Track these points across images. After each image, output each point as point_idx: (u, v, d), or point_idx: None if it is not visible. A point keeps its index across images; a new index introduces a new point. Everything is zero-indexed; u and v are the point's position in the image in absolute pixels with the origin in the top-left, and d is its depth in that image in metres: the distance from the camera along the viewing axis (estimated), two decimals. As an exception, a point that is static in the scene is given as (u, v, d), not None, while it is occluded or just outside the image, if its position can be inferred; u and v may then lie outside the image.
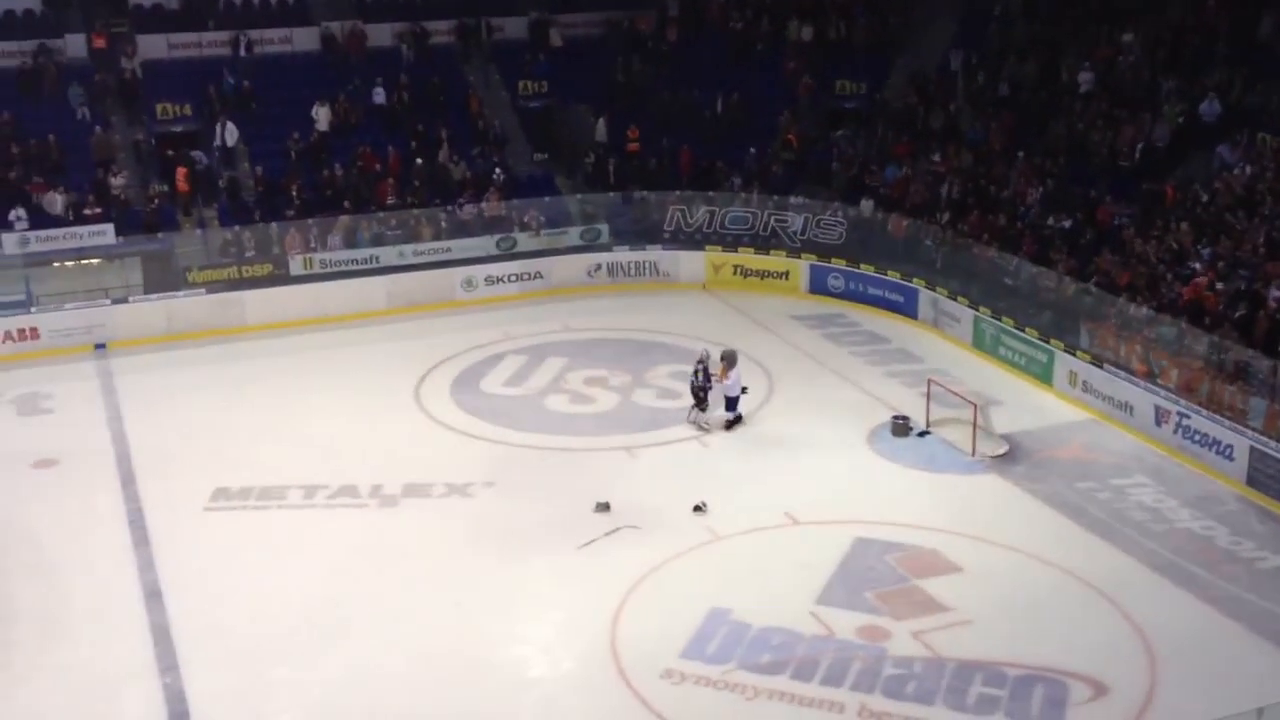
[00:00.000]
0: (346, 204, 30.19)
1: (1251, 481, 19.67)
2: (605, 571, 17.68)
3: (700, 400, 22.67)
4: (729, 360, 22.57)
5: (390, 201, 30.78)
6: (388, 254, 29.83)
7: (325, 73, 33.71)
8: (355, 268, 29.46)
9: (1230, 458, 20.05)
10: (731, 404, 22.56)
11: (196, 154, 31.05)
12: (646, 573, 17.64)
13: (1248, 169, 24.75)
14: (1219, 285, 22.29)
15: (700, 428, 22.56)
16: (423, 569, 17.91)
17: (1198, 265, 23.08)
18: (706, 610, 16.57)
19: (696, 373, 22.63)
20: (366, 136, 32.40)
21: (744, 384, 22.73)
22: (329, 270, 29.24)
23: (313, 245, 29.40)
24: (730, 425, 22.55)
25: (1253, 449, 19.68)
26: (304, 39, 34.71)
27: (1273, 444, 19.46)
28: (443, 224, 30.61)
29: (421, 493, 20.27)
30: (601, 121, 33.74)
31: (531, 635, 16.48)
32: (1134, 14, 30.87)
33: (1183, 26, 29.74)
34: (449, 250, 30.27)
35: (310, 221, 29.60)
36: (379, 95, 33.14)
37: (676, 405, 23.55)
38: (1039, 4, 33.42)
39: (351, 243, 29.73)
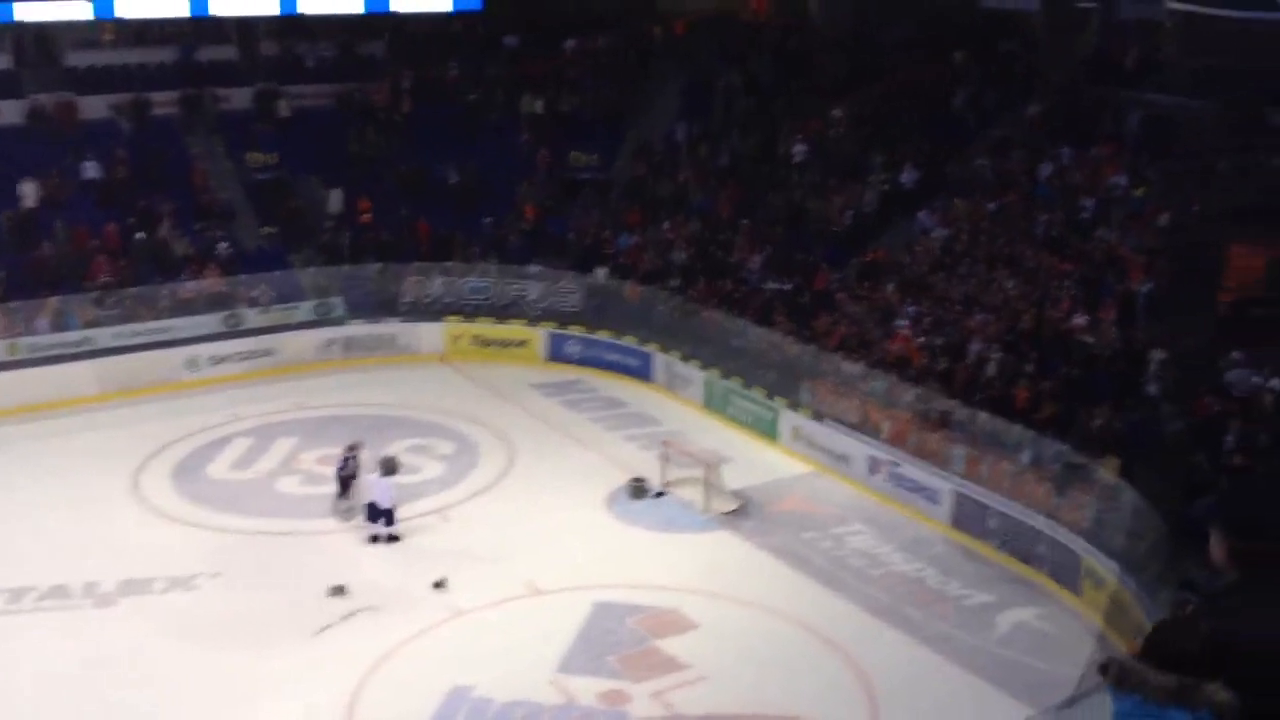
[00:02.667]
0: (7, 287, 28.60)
1: (956, 523, 21.02)
2: (343, 658, 17.26)
3: (344, 489, 21.70)
4: (386, 467, 20.91)
5: (106, 280, 29.40)
6: (103, 335, 28.33)
7: (34, 147, 32.07)
8: (67, 351, 27.83)
9: (936, 501, 21.38)
10: (376, 514, 20.66)
11: None
12: (386, 655, 17.35)
13: (945, 232, 26.59)
14: (922, 340, 23.81)
15: (343, 517, 21.55)
16: (143, 671, 17.04)
17: (904, 323, 24.59)
18: (448, 689, 16.41)
19: (346, 460, 21.73)
20: (80, 213, 30.93)
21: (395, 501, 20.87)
22: (37, 356, 27.50)
23: (18, 329, 27.66)
24: (377, 539, 20.67)
25: (956, 493, 21.05)
26: (10, 112, 32.94)
27: (973, 487, 20.86)
28: (164, 302, 29.45)
29: (141, 589, 19.28)
30: (337, 192, 33.36)
31: (265, 729, 15.97)
32: (841, 89, 32.84)
33: (885, 100, 31.81)
34: (171, 330, 29.05)
35: (14, 304, 27.89)
36: (89, 169, 31.74)
37: (416, 480, 23.28)
38: (756, 80, 35.10)
39: (61, 325, 28.17)
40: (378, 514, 20.76)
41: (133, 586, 19.39)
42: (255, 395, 27.87)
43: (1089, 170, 25.53)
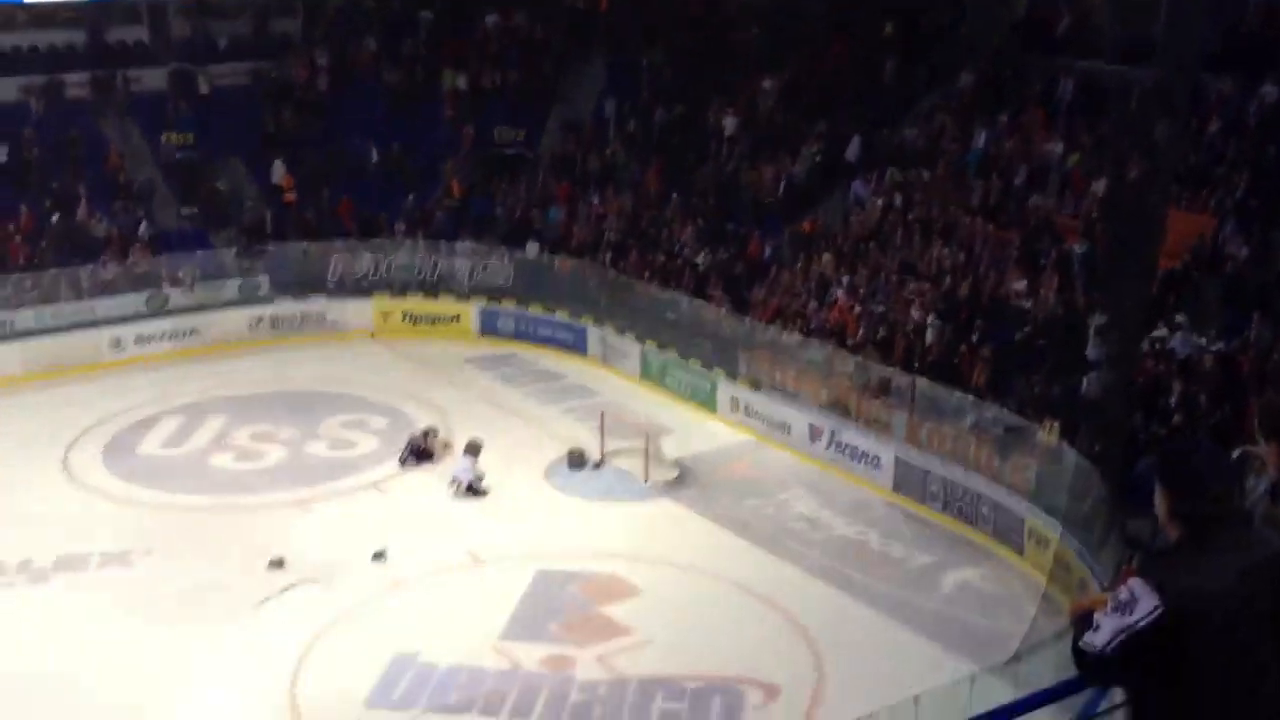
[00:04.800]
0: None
1: (897, 487, 21.11)
2: (283, 629, 17.02)
3: (412, 458, 22.52)
4: (471, 448, 21.70)
5: (24, 263, 28.56)
6: (24, 318, 27.65)
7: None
8: (-14, 334, 27.20)
9: (878, 467, 21.47)
10: (456, 483, 21.58)
11: None
12: (327, 625, 17.11)
13: (879, 202, 26.68)
14: (858, 309, 23.90)
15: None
16: (81, 646, 16.61)
17: (840, 293, 24.66)
18: (390, 657, 16.22)
19: (423, 436, 22.77)
20: (-7, 197, 30.06)
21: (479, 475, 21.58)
22: (-45, 339, 26.88)
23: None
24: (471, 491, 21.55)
25: (897, 458, 21.15)
26: (-82, 96, 31.88)
27: (914, 452, 20.98)
28: (84, 284, 28.70)
29: (76, 565, 18.77)
30: (279, 164, 32.69)
31: (208, 703, 15.62)
32: (769, 61, 32.84)
33: (814, 72, 31.86)
34: (93, 311, 28.36)
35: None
36: (1, 153, 30.81)
37: (351, 455, 23.08)
38: (683, 53, 34.97)
39: (-23, 309, 27.43)
40: (457, 483, 21.48)
41: (68, 563, 18.88)
42: (182, 375, 27.15)
43: (1022, 138, 25.75)
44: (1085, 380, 19.65)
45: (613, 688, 15.60)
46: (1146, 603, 3.47)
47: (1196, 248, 20.70)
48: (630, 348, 27.31)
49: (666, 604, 17.82)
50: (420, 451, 22.65)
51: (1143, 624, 3.47)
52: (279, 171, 32.77)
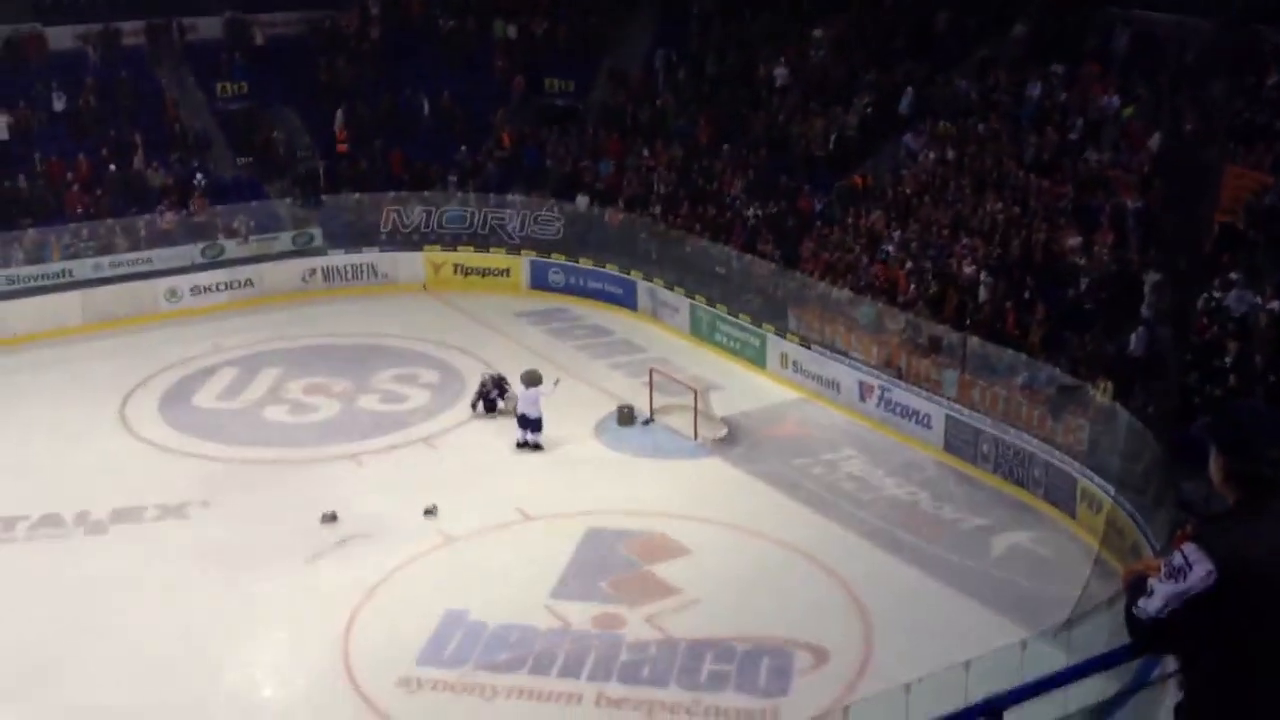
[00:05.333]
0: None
1: (948, 447, 21.01)
2: (335, 584, 17.26)
3: (489, 409, 22.83)
4: (529, 379, 21.65)
5: (81, 212, 28.95)
6: (81, 267, 28.08)
7: (2, 79, 31.35)
8: (45, 283, 27.60)
9: (928, 426, 21.36)
10: (526, 423, 21.49)
11: None
12: (379, 581, 17.34)
13: (931, 155, 26.31)
14: (909, 265, 23.67)
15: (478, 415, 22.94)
16: (137, 597, 16.96)
17: (890, 248, 24.43)
18: (442, 613, 16.42)
19: (493, 383, 22.96)
20: (51, 145, 30.37)
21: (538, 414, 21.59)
22: (15, 287, 27.28)
23: (-5, 262, 27.31)
24: (524, 445, 21.52)
25: (948, 417, 21.03)
26: (-23, 43, 32.17)
27: (965, 411, 20.85)
28: (141, 233, 29.05)
29: (132, 517, 19.18)
30: (340, 114, 32.77)
31: (260, 656, 16.01)
32: (821, 11, 32.36)
33: (866, 22, 31.37)
34: (150, 261, 28.74)
35: (-9, 237, 27.53)
36: (59, 101, 31.12)
37: (402, 409, 23.29)
38: (733, 2, 34.52)
39: (37, 257, 27.78)
40: (527, 423, 21.51)
41: (124, 515, 19.28)
42: (237, 326, 27.62)
43: (1078, 90, 25.25)
44: (1133, 337, 19.41)
45: (662, 648, 15.73)
46: (1200, 569, 3.47)
47: (1252, 203, 20.28)
48: (679, 302, 27.28)
49: (715, 564, 17.92)
50: (488, 400, 22.86)
51: (1196, 590, 3.48)
52: (339, 121, 32.83)
